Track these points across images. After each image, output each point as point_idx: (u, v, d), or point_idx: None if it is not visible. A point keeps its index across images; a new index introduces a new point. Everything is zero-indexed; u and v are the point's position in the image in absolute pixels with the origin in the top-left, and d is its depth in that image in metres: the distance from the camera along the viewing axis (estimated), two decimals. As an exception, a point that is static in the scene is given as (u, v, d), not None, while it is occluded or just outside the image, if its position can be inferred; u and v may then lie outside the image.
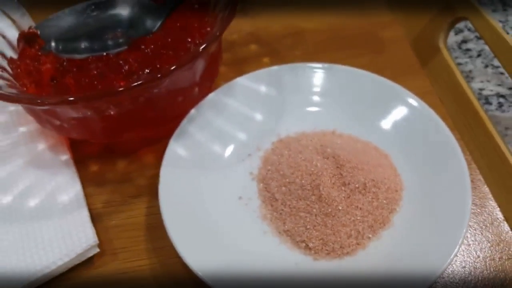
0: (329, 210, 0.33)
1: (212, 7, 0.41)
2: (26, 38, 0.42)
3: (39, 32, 0.42)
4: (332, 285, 0.32)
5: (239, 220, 0.35)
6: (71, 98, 0.33)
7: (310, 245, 0.33)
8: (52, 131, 0.40)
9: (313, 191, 0.34)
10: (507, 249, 0.34)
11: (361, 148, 0.38)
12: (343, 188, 0.34)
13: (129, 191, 0.39)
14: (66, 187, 0.38)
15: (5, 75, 0.38)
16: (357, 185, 0.34)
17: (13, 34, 0.42)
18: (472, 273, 0.33)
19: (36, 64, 0.40)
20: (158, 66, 0.38)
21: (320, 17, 0.51)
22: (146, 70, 0.38)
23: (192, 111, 0.39)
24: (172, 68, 0.33)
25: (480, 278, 0.33)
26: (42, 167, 0.40)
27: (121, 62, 0.38)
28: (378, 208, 0.34)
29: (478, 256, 0.34)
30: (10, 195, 0.38)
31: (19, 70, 0.40)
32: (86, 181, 0.40)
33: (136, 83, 0.32)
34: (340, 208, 0.34)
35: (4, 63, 0.40)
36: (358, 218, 0.34)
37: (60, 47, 0.41)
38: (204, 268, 0.31)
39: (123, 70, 0.38)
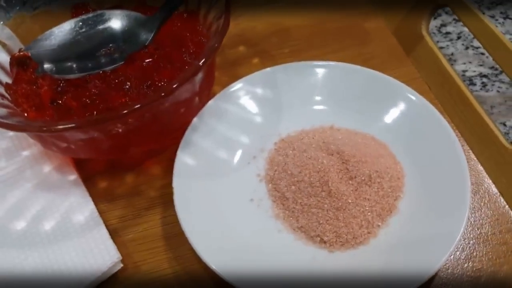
0: (340, 204, 0.36)
1: (203, 16, 0.43)
2: (19, 62, 0.43)
3: (30, 54, 0.42)
4: (349, 274, 0.34)
5: (253, 221, 0.37)
6: (79, 123, 0.34)
7: (325, 238, 0.36)
8: (57, 153, 0.41)
9: (322, 188, 0.36)
10: (505, 222, 0.37)
11: (361, 140, 0.40)
12: (350, 182, 0.37)
13: (141, 203, 0.41)
14: (80, 206, 0.39)
15: (5, 102, 0.39)
16: (363, 178, 0.37)
17: (3, 58, 0.43)
18: (477, 248, 0.36)
19: (34, 88, 0.40)
20: (157, 79, 0.40)
21: (302, 12, 0.53)
22: (146, 84, 0.39)
23: (195, 120, 0.41)
24: (175, 85, 0.34)
25: (484, 252, 0.36)
26: (51, 189, 0.41)
27: (121, 78, 0.39)
28: (384, 197, 0.37)
29: (481, 233, 0.37)
30: (23, 221, 0.39)
31: (16, 95, 0.41)
32: (97, 198, 0.41)
33: (142, 104, 0.34)
34: (350, 201, 0.36)
35: (2, 90, 0.40)
36: (367, 208, 0.36)
37: (55, 68, 0.42)
38: (227, 269, 0.33)
39: (123, 86, 0.39)
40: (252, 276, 0.34)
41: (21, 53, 0.43)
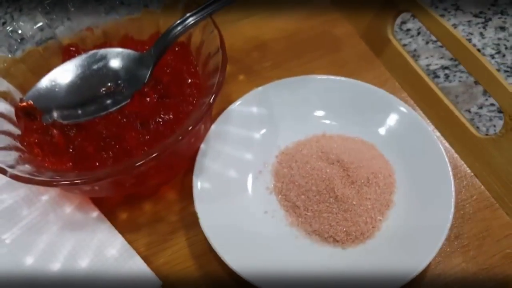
0: (346, 206, 0.42)
1: (195, 49, 0.47)
2: (24, 112, 0.45)
3: (33, 103, 0.45)
4: (363, 265, 0.41)
5: (272, 231, 0.43)
6: (112, 172, 0.38)
7: (337, 238, 0.42)
8: (78, 195, 0.45)
9: (329, 194, 0.43)
10: (483, 200, 0.45)
11: (353, 145, 0.46)
12: (352, 186, 0.43)
13: (164, 229, 0.45)
14: (109, 241, 0.44)
15: (26, 156, 0.42)
16: (362, 181, 0.43)
17: (8, 110, 0.45)
18: (462, 226, 0.44)
19: (48, 138, 0.44)
20: (163, 113, 0.44)
21: (275, 25, 0.58)
22: (154, 120, 0.44)
23: (202, 146, 0.46)
24: (191, 127, 0.39)
25: (468, 229, 0.44)
26: (77, 228, 0.44)
27: (131, 117, 0.43)
28: (381, 194, 0.43)
29: (464, 212, 0.45)
30: (57, 262, 0.43)
31: (31, 146, 0.44)
32: (121, 230, 0.45)
33: (164, 148, 0.38)
34: (354, 202, 0.42)
35: (17, 143, 0.43)
36: (369, 206, 0.43)
37: (61, 114, 0.44)
38: (259, 278, 0.39)
39: (133, 125, 0.44)
40: (280, 279, 0.40)
41: (25, 104, 0.45)
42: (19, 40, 0.49)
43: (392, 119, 0.48)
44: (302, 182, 0.44)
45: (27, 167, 0.40)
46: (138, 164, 0.38)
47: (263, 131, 0.49)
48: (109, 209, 0.46)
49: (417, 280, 0.40)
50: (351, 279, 0.40)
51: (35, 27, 0.49)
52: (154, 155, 0.38)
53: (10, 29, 0.48)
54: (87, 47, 0.51)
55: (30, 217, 0.45)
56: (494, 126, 0.51)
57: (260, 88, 0.49)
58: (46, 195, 0.46)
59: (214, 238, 0.41)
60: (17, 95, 0.47)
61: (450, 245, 0.43)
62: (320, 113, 0.49)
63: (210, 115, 0.47)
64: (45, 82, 0.46)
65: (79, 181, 0.38)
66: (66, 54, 0.49)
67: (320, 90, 0.50)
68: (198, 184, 0.44)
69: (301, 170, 0.44)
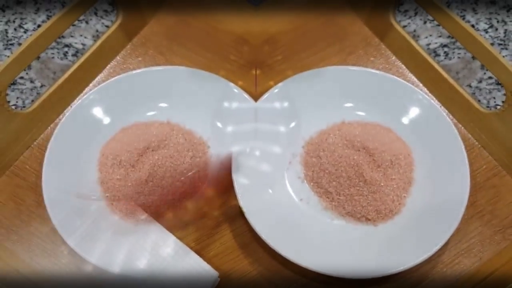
0: (375, 188, 0.49)
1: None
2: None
3: None
4: (395, 238, 0.47)
5: (309, 216, 0.49)
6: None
7: (369, 217, 0.49)
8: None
9: (359, 179, 0.49)
10: (491, 169, 0.52)
11: (374, 131, 0.52)
12: (378, 169, 0.49)
13: (210, 224, 0.51)
14: (162, 240, 0.49)
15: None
16: (387, 163, 0.49)
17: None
18: (475, 195, 0.51)
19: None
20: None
21: (280, 17, 0.63)
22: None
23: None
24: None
25: (481, 197, 0.51)
26: (129, 233, 0.49)
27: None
28: (403, 173, 0.50)
29: (476, 182, 0.52)
30: (116, 266, 0.48)
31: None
32: (169, 229, 0.50)
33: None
34: (382, 184, 0.49)
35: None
36: (394, 186, 0.49)
37: None
38: (303, 259, 0.45)
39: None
40: (322, 258, 0.46)
41: None
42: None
43: (403, 102, 0.54)
44: (332, 169, 0.50)
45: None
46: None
47: (287, 124, 0.54)
48: (154, 211, 0.51)
49: (443, 246, 0.47)
50: (386, 251, 0.47)
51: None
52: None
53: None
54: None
55: (83, 228, 0.49)
56: (494, 98, 0.57)
57: (280, 84, 0.54)
58: (94, 204, 0.51)
59: (260, 227, 0.47)
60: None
61: (466, 213, 0.50)
62: (336, 102, 0.55)
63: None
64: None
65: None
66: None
67: (334, 81, 0.55)
68: (239, 181, 0.49)
69: (329, 159, 0.50)
